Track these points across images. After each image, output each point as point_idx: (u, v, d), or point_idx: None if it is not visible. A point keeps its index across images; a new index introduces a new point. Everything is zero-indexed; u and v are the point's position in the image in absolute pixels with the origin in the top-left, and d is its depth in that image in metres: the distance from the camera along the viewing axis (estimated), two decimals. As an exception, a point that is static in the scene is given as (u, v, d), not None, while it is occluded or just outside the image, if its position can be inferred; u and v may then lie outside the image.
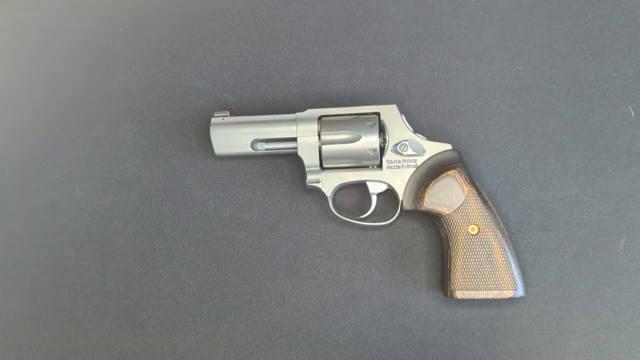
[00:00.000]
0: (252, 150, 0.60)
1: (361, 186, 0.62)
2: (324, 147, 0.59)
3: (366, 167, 0.60)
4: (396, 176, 0.59)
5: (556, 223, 0.61)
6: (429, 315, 0.61)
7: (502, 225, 0.58)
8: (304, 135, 0.59)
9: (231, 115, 0.61)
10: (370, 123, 0.58)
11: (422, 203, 0.58)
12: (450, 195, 0.58)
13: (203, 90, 0.66)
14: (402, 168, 0.59)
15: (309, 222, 0.63)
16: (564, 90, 0.62)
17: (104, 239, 0.65)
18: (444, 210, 0.58)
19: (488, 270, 0.56)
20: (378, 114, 0.59)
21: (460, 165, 0.58)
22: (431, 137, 0.61)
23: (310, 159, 0.59)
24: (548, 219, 0.61)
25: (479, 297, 0.57)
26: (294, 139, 0.60)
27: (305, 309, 0.63)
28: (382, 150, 0.59)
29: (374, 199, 0.61)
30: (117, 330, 0.64)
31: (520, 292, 0.56)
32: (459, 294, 0.57)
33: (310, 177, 0.60)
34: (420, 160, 0.59)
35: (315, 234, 0.63)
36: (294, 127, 0.59)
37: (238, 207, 0.64)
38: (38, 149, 0.67)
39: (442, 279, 0.59)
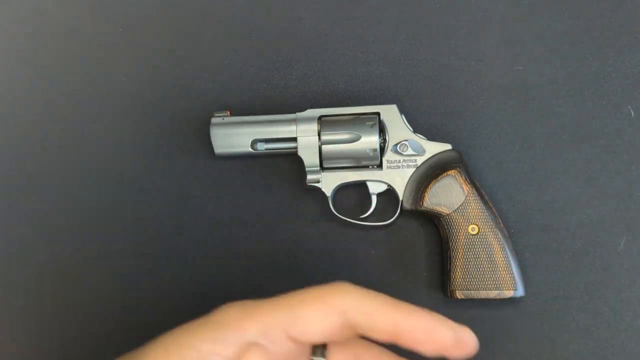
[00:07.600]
0: (252, 150, 0.60)
1: (361, 186, 0.62)
2: (324, 147, 0.59)
3: (366, 167, 0.60)
4: (396, 176, 0.59)
5: (556, 223, 0.61)
6: (429, 315, 0.61)
7: (502, 225, 0.58)
8: (304, 135, 0.59)
9: (231, 115, 0.61)
10: (370, 123, 0.58)
11: (422, 203, 0.58)
12: (450, 195, 0.58)
13: (203, 90, 0.66)
14: (402, 168, 0.59)
15: (309, 222, 0.63)
16: (564, 90, 0.62)
17: (104, 239, 0.65)
18: (444, 210, 0.58)
19: (488, 270, 0.56)
20: (378, 114, 0.59)
21: (460, 165, 0.58)
22: (431, 137, 0.60)
23: (310, 158, 0.59)
24: (548, 219, 0.61)
25: (479, 297, 0.57)
26: (294, 139, 0.60)
27: (305, 309, 0.62)
28: (382, 150, 0.59)
29: (374, 199, 0.61)
30: (117, 330, 0.64)
31: (520, 292, 0.56)
32: (459, 294, 0.57)
33: (310, 177, 0.60)
34: (420, 160, 0.59)
35: (315, 234, 0.63)
36: (293, 127, 0.59)
37: (238, 207, 0.64)
38: (38, 149, 0.67)
39: (442, 279, 0.60)
